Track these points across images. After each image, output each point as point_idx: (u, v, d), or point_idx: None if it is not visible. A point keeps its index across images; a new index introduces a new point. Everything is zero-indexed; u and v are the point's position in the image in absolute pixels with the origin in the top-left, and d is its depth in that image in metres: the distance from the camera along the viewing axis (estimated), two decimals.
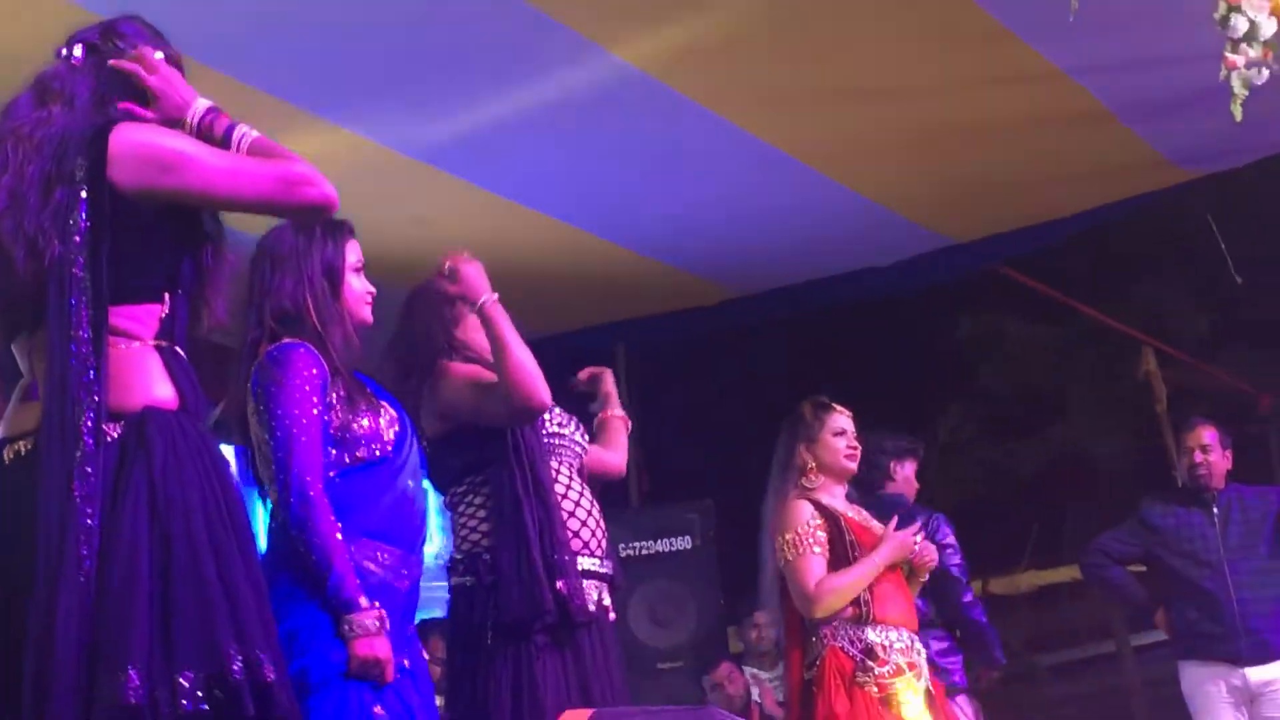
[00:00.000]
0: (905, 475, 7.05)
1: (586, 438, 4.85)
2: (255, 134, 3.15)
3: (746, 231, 7.60)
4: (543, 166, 6.77)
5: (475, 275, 4.50)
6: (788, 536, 5.26)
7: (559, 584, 4.37)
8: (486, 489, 4.47)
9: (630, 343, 8.81)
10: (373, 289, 4.05)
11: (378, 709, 3.64)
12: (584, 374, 5.22)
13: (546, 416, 4.65)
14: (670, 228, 7.52)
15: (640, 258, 7.72)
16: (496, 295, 4.46)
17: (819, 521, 5.28)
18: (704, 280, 8.20)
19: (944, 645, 6.63)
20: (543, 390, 4.40)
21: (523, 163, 6.70)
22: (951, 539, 6.74)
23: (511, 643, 4.35)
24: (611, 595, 4.61)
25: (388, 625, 3.64)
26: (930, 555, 5.45)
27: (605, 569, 4.59)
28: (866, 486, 6.76)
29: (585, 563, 4.51)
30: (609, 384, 5.21)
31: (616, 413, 5.15)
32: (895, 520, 5.39)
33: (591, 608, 4.46)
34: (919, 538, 5.43)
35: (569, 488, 4.60)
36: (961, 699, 6.63)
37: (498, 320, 4.43)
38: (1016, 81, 6.36)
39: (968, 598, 6.73)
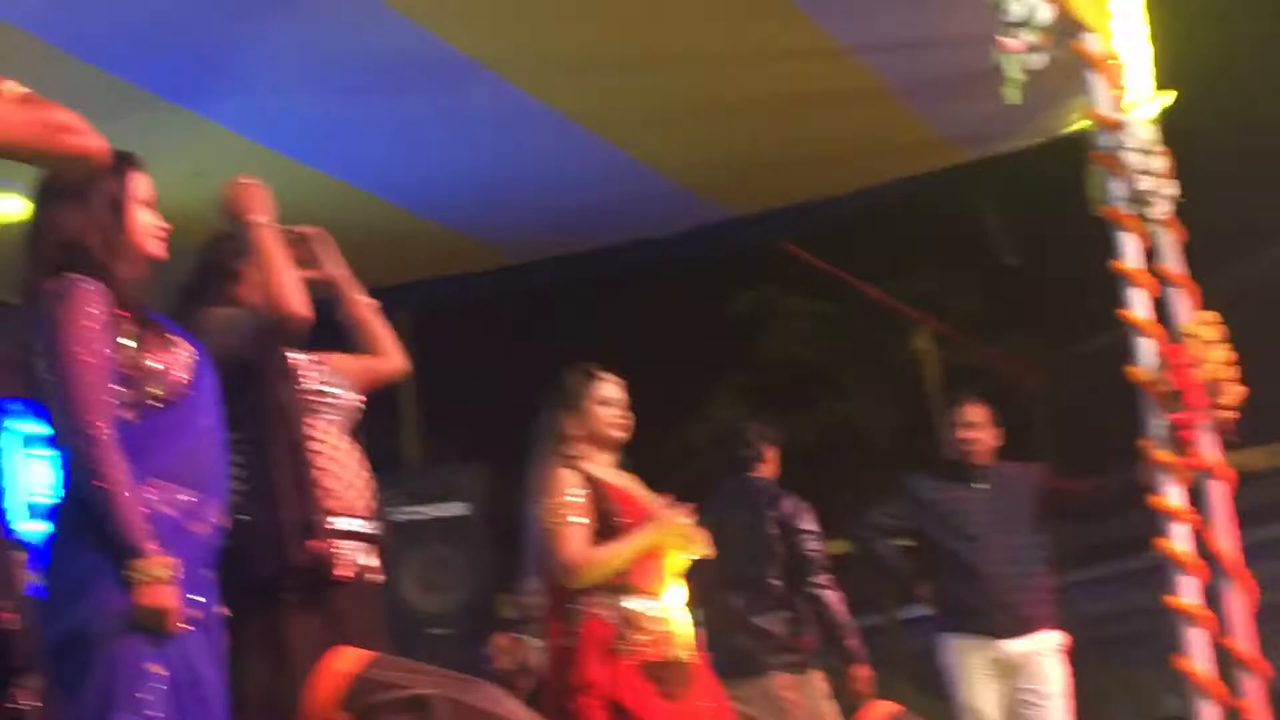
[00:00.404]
0: (773, 458, 7.20)
1: (361, 398, 4.77)
2: (22, 89, 3.04)
3: (531, 197, 7.56)
4: (325, 125, 6.67)
5: (250, 195, 4.39)
6: (549, 504, 5.24)
7: (312, 544, 4.30)
8: (245, 447, 4.36)
9: (412, 306, 8.72)
10: (165, 224, 3.91)
11: (154, 666, 3.52)
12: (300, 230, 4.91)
13: (315, 374, 4.58)
14: (455, 191, 7.45)
15: (422, 220, 7.64)
16: (271, 222, 4.37)
17: (582, 490, 5.26)
18: (487, 244, 8.14)
19: (792, 626, 6.85)
20: (300, 303, 4.30)
21: (304, 121, 6.59)
22: (813, 526, 6.98)
23: (262, 604, 4.26)
24: (377, 557, 4.55)
25: (178, 574, 3.54)
26: (702, 542, 5.46)
27: (370, 530, 4.52)
28: (737, 467, 7.11)
29: (348, 523, 4.44)
30: (329, 258, 4.89)
31: (359, 298, 4.89)
32: (667, 500, 5.39)
33: (350, 569, 4.40)
34: (690, 520, 5.42)
35: (335, 448, 4.53)
36: (816, 676, 6.89)
37: (266, 240, 4.34)
38: (801, 57, 6.40)
39: (820, 579, 6.89)
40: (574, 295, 9.79)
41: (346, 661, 3.80)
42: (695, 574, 5.46)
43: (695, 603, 5.34)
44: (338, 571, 4.35)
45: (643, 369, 6.03)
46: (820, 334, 12.57)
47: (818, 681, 6.85)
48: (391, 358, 4.92)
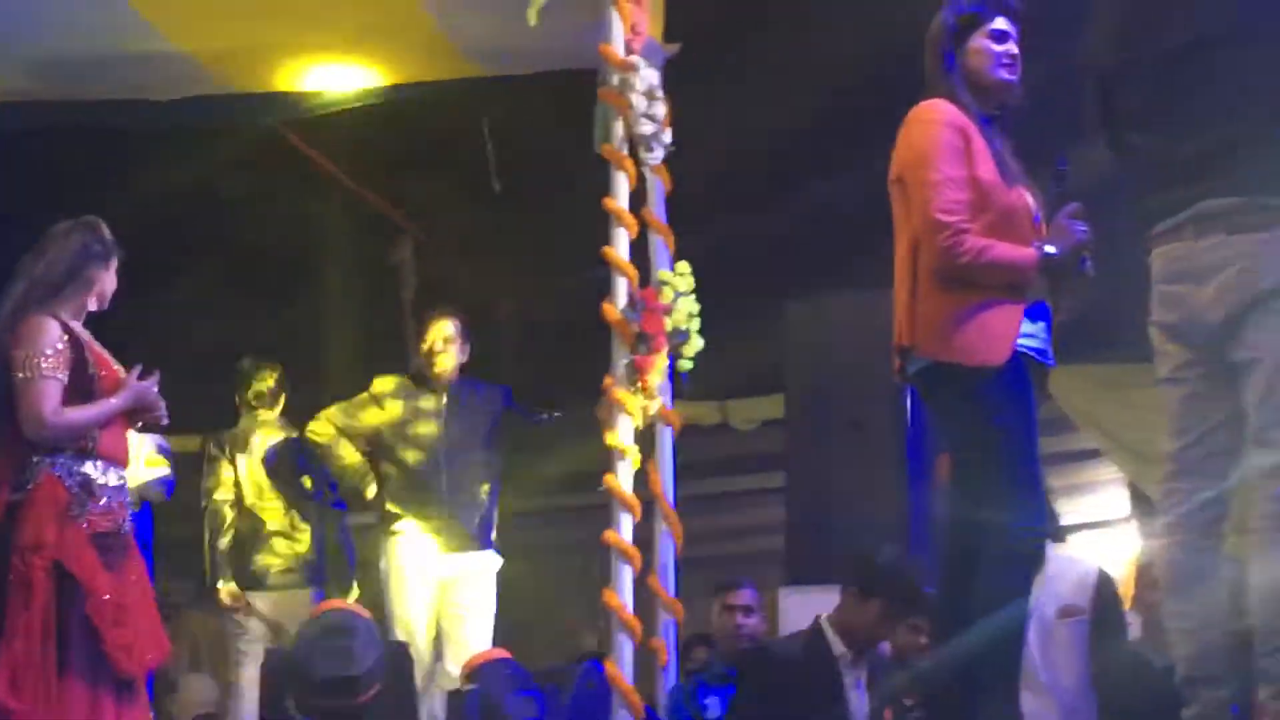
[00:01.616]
0: None
1: None
2: None
3: (15, 33, 7.15)
4: None
5: None
6: (30, 353, 4.97)
7: None
8: None
9: None
10: None
11: None
12: None
13: None
14: None
15: None
16: None
17: (64, 346, 5.02)
18: None
19: None
20: None
21: None
22: None
23: None
24: None
25: None
26: (160, 411, 5.30)
27: None
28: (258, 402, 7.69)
29: None
30: None
31: None
32: (138, 369, 5.19)
33: None
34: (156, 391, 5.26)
35: None
36: None
37: None
38: None
39: None
40: (55, 144, 9.30)
41: None
42: None
43: None
44: None
45: (120, 234, 5.77)
46: (304, 228, 12.33)
47: None
48: None
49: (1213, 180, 4.20)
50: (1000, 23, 4.79)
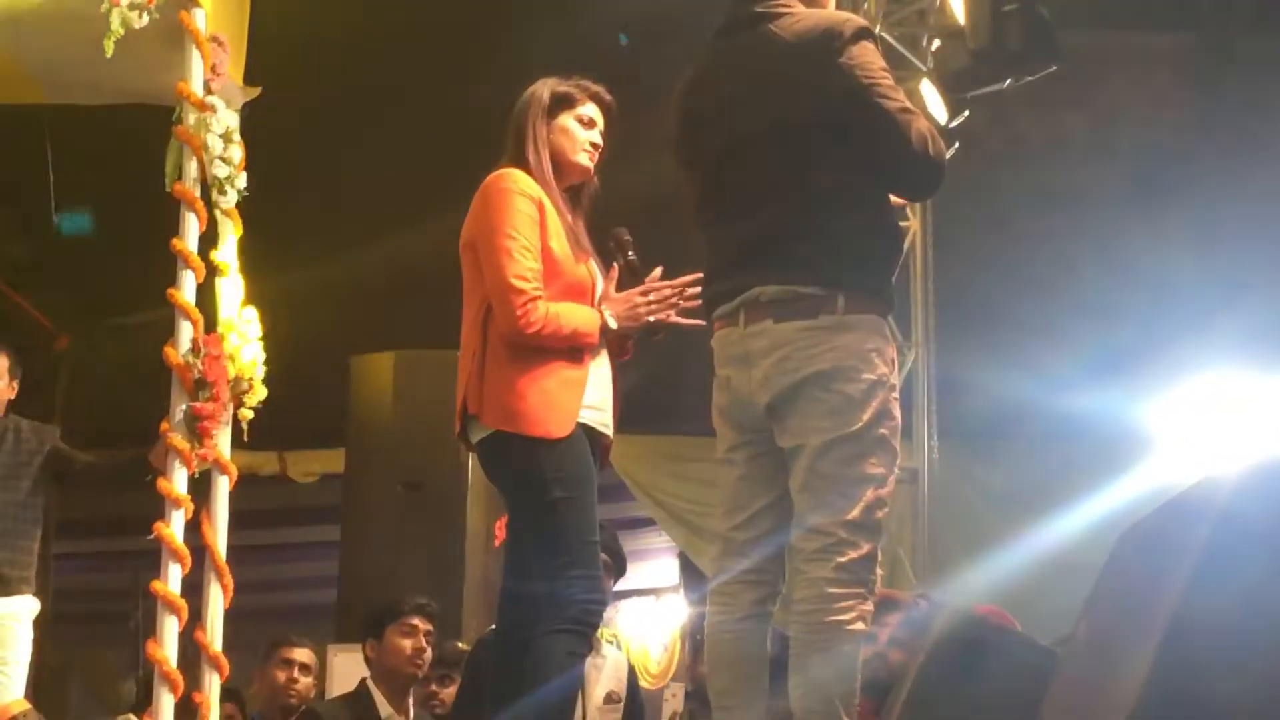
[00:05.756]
0: None
1: None
2: None
3: None
4: None
5: None
6: None
7: None
8: None
9: None
10: None
11: None
12: None
13: None
14: None
15: None
16: None
17: None
18: None
19: None
20: None
21: None
22: None
23: None
24: None
25: None
26: None
27: None
28: None
29: None
30: None
31: None
32: None
33: None
34: None
35: None
36: None
37: None
38: None
39: None
40: None
41: None
42: None
43: None
44: None
45: None
46: None
47: None
48: None
49: (761, 268, 4.32)
50: (591, 109, 4.91)
